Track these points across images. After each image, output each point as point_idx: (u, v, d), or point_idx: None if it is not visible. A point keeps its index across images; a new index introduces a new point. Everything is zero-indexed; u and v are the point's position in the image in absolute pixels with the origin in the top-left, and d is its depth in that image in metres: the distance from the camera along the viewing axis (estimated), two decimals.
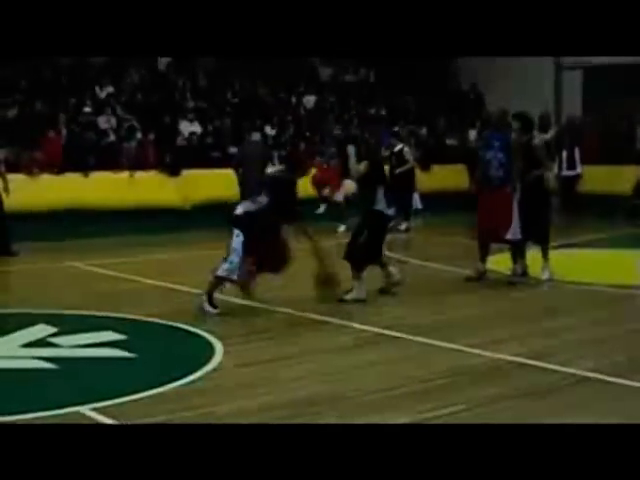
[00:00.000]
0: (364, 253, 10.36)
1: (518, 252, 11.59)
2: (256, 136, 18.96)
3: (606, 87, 22.83)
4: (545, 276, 11.67)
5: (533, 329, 9.02)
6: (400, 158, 18.19)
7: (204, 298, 9.59)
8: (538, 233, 11.57)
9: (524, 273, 11.75)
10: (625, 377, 7.12)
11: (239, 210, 9.60)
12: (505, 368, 7.53)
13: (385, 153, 18.68)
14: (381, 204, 10.43)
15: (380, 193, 10.43)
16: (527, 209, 11.36)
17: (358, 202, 10.61)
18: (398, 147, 18.33)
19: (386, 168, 17.97)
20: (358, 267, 10.35)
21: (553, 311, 10.13)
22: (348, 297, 10.19)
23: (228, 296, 10.43)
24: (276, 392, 6.78)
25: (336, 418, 6.13)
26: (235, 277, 9.51)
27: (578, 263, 12.28)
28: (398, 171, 17.89)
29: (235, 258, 9.39)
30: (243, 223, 9.45)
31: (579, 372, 7.30)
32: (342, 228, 17.33)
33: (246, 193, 18.02)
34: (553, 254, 11.95)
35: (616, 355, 7.90)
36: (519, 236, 11.38)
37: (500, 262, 12.02)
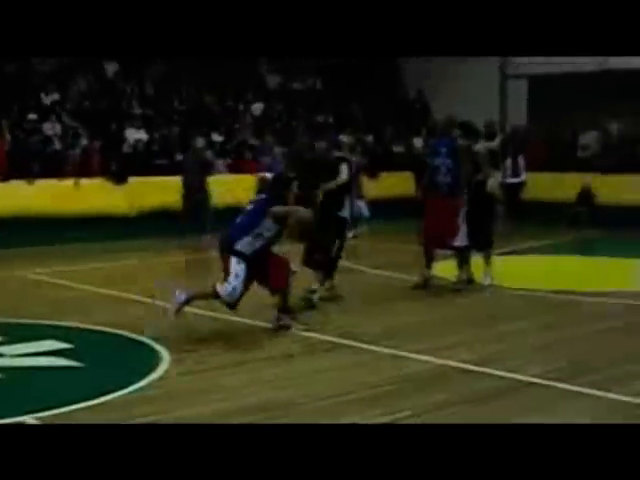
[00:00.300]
0: (329, 258, 10.57)
1: (463, 259, 11.69)
2: (200, 142, 18.93)
3: (550, 96, 23.08)
4: (487, 282, 11.79)
5: (479, 335, 9.10)
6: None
7: (183, 298, 8.99)
8: (481, 239, 11.68)
9: (470, 280, 11.85)
10: (567, 382, 7.22)
11: (244, 248, 8.89)
12: (451, 374, 7.59)
13: None
14: (346, 211, 10.71)
15: (347, 200, 10.60)
16: (470, 215, 11.48)
17: (323, 208, 10.56)
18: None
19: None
20: (328, 272, 10.64)
21: (498, 317, 10.24)
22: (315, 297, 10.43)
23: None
24: (226, 399, 6.78)
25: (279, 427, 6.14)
26: (233, 303, 8.97)
27: (522, 269, 12.43)
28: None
29: (238, 284, 8.83)
30: (248, 259, 8.93)
31: (524, 378, 7.39)
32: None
33: (188, 199, 18.07)
34: (498, 260, 12.07)
35: (559, 360, 8.00)
36: (465, 243, 11.48)
37: (446, 269, 12.10)
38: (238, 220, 9.15)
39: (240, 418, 6.28)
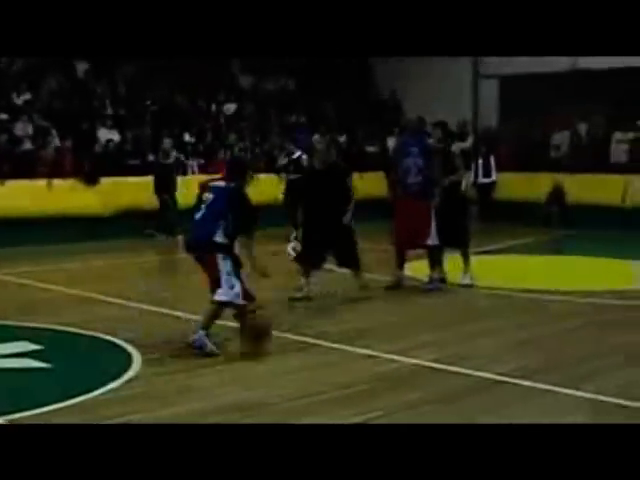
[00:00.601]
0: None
1: (436, 258, 11.73)
2: (167, 143, 18.96)
3: (522, 96, 23.21)
4: (465, 281, 11.84)
5: (449, 335, 9.17)
6: (298, 166, 17.55)
7: (202, 334, 8.22)
8: (456, 238, 11.73)
9: (442, 279, 11.90)
10: (536, 380, 7.30)
11: (222, 238, 8.31)
12: (422, 373, 7.65)
13: (283, 161, 18.66)
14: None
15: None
16: (444, 215, 11.52)
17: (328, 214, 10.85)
18: (296, 154, 17.92)
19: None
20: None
21: (469, 317, 10.29)
22: (298, 295, 10.77)
23: (144, 304, 10.42)
24: (199, 400, 6.80)
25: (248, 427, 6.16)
26: (241, 301, 8.38)
27: (493, 269, 12.50)
28: (292, 177, 17.37)
29: (235, 282, 8.27)
30: (226, 248, 8.35)
31: (493, 376, 7.46)
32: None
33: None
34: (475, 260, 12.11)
35: (529, 358, 8.08)
36: (437, 242, 11.53)
37: (419, 269, 12.15)
38: (200, 216, 8.53)
39: (215, 418, 6.31)
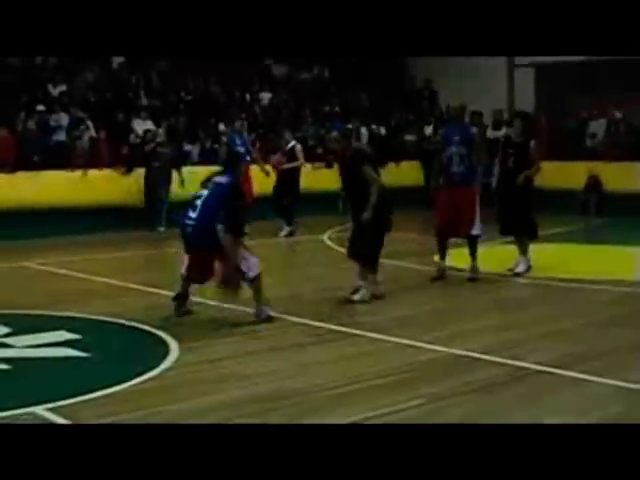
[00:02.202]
0: (372, 251, 10.21)
1: (476, 248, 11.54)
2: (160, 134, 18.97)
3: (558, 85, 23.05)
4: (519, 269, 11.73)
5: (488, 324, 9.13)
6: (291, 155, 17.27)
7: (265, 307, 9.05)
8: (526, 228, 11.68)
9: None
10: (572, 369, 7.24)
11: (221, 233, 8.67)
12: (461, 363, 7.59)
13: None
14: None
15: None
16: (512, 205, 11.49)
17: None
18: (291, 144, 17.40)
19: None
20: (371, 265, 10.24)
21: (505, 306, 10.28)
22: (355, 297, 10.05)
23: None
24: (233, 390, 6.78)
25: (295, 414, 6.15)
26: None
27: (532, 258, 12.34)
28: (285, 166, 17.15)
29: (247, 256, 8.84)
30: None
31: (532, 365, 7.39)
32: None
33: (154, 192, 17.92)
34: (506, 249, 12.03)
35: (566, 348, 8.01)
36: (480, 232, 11.42)
37: (457, 258, 12.06)
38: (200, 207, 8.74)
39: (252, 407, 6.31)
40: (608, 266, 12.97)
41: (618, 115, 22.02)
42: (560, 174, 20.69)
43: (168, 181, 17.89)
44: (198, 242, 8.87)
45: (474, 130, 11.95)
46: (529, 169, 11.57)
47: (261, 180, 17.53)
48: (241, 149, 16.87)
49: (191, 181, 18.39)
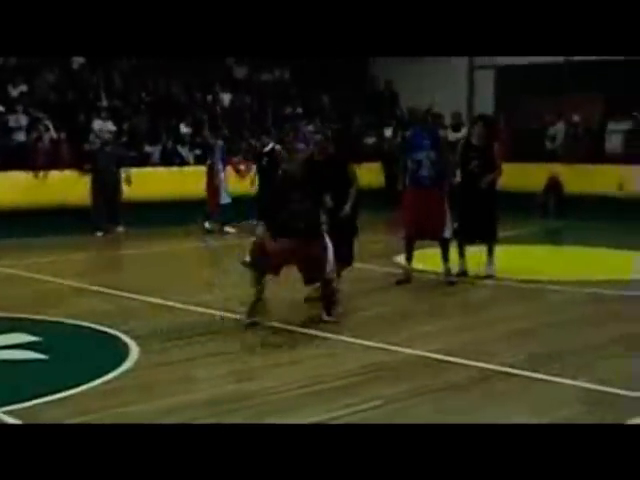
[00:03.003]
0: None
1: (447, 250, 11.50)
2: (104, 132, 18.75)
3: (518, 86, 23.20)
4: (490, 272, 11.75)
5: (448, 325, 9.16)
6: (272, 158, 16.48)
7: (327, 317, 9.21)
8: (489, 232, 11.72)
9: (464, 273, 11.83)
10: (536, 370, 7.29)
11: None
12: (423, 364, 7.62)
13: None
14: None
15: None
16: (474, 209, 11.53)
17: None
18: (269, 146, 17.03)
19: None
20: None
21: (467, 308, 10.30)
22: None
23: (144, 296, 10.42)
24: (189, 392, 6.76)
25: (252, 416, 6.15)
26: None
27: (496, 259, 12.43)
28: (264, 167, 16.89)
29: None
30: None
31: (493, 366, 7.44)
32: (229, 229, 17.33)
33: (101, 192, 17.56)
34: (470, 251, 12.08)
35: (528, 349, 8.06)
36: (450, 235, 11.42)
37: (428, 261, 12.07)
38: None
39: (210, 409, 6.30)
40: (568, 267, 13.08)
41: (576, 118, 22.21)
42: (520, 176, 20.84)
43: (117, 181, 17.69)
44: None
45: (442, 133, 11.91)
46: (492, 172, 11.63)
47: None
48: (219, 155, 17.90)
49: (152, 182, 18.52)
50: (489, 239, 11.80)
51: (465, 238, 11.85)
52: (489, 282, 11.62)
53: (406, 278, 11.51)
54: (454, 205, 11.73)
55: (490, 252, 11.85)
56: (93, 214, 17.30)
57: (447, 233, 11.36)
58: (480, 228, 11.65)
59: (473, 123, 12.46)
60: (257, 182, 16.82)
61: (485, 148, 11.68)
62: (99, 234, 16.55)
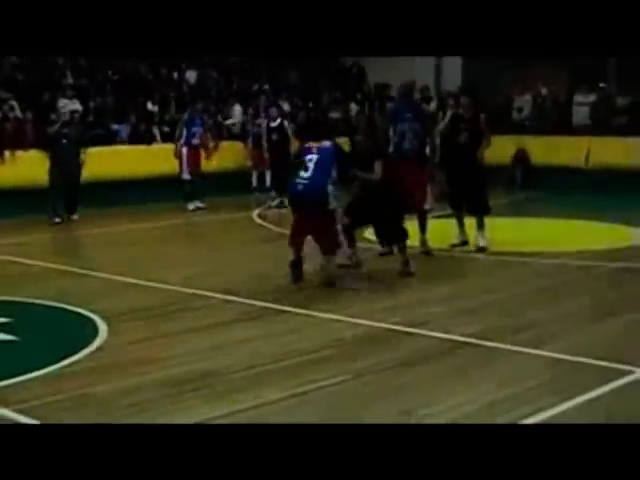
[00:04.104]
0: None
1: (425, 223, 11.61)
2: (67, 105, 18.24)
3: (484, 59, 23.24)
4: (482, 243, 11.82)
5: (413, 298, 9.26)
6: (282, 132, 18.00)
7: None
8: (479, 205, 11.84)
9: (465, 242, 12.02)
10: (501, 341, 7.40)
11: (329, 191, 9.68)
12: (388, 336, 7.69)
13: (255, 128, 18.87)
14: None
15: None
16: (464, 181, 11.65)
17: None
18: (277, 121, 18.07)
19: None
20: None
21: (433, 280, 10.34)
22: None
23: (112, 275, 10.43)
24: (156, 370, 6.80)
25: (215, 394, 6.20)
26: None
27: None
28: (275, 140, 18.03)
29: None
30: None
31: (458, 338, 7.52)
32: (191, 206, 17.34)
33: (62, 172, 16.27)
34: (435, 223, 12.14)
35: (493, 320, 8.17)
36: (431, 207, 11.50)
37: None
38: (310, 174, 9.57)
39: (173, 388, 6.35)
40: (533, 239, 13.16)
41: (543, 91, 22.31)
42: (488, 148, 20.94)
43: (77, 163, 16.66)
44: (309, 199, 9.54)
45: (425, 106, 12.04)
46: (481, 144, 11.78)
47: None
48: (199, 129, 17.88)
49: (119, 161, 18.43)
50: (480, 211, 11.92)
51: (456, 208, 12.03)
52: (458, 255, 11.70)
53: (389, 250, 11.50)
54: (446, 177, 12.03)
55: (480, 224, 11.93)
56: (51, 199, 16.20)
57: (427, 205, 11.47)
58: (470, 200, 11.79)
59: (456, 95, 12.55)
60: (267, 156, 18.27)
61: (473, 119, 11.81)
62: (57, 220, 15.80)
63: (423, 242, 11.60)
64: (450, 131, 11.94)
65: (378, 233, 10.66)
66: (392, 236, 10.47)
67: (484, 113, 12.17)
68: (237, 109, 21.72)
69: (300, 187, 9.62)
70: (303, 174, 9.63)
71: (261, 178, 19.88)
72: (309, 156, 9.72)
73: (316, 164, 9.60)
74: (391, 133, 11.59)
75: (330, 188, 9.57)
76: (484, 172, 11.95)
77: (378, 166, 10.09)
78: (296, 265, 9.75)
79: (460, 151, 11.76)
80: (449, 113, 12.54)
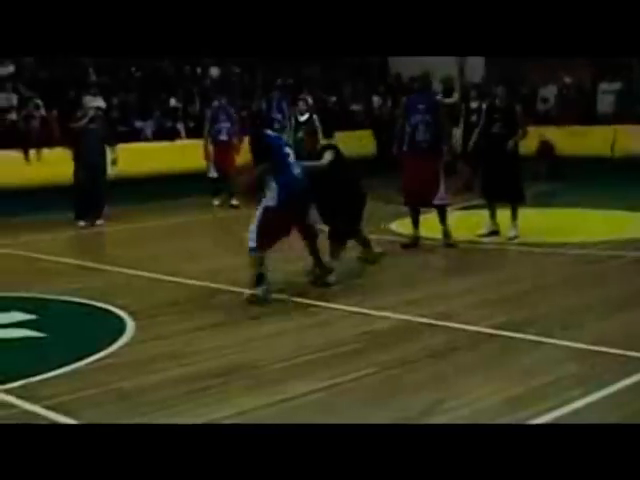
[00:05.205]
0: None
1: (444, 217, 11.55)
2: (92, 101, 17.47)
3: None
4: (512, 234, 11.85)
5: (437, 290, 9.24)
6: (311, 126, 17.56)
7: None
8: (514, 193, 11.90)
9: (495, 232, 12.06)
10: (525, 332, 7.37)
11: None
12: (414, 329, 7.68)
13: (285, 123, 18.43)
14: None
15: None
16: (499, 171, 11.72)
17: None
18: (306, 116, 17.22)
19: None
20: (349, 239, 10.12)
21: (456, 272, 10.37)
22: (331, 279, 9.55)
23: (138, 271, 10.47)
24: (185, 365, 6.82)
25: (249, 386, 6.22)
26: None
27: (482, 223, 12.45)
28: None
29: None
30: None
31: (484, 329, 7.51)
32: (217, 202, 17.19)
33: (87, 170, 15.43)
34: (456, 215, 12.12)
35: (518, 312, 8.13)
36: (446, 201, 11.48)
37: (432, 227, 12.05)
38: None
39: (206, 381, 6.36)
40: (559, 230, 13.08)
41: (568, 80, 22.21)
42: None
43: (103, 162, 15.93)
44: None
45: (438, 98, 12.04)
46: (516, 134, 11.76)
47: None
48: (225, 125, 17.18)
49: (144, 157, 18.50)
50: (515, 200, 11.95)
51: (491, 198, 12.07)
52: (481, 246, 11.67)
53: (412, 242, 11.58)
54: (479, 166, 12.18)
55: (514, 214, 11.96)
56: (76, 201, 15.57)
57: (439, 200, 11.39)
58: (506, 189, 11.82)
59: (479, 85, 12.57)
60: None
61: (508, 109, 11.84)
62: (82, 223, 15.17)
63: (445, 234, 11.57)
64: (485, 121, 11.99)
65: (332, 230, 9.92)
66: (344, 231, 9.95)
67: (519, 104, 12.22)
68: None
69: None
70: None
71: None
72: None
73: None
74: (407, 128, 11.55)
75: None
76: (519, 162, 11.94)
77: (328, 154, 9.75)
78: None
79: (494, 141, 11.78)
80: (485, 104, 12.61)
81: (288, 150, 9.18)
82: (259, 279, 8.75)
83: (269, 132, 9.72)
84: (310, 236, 9.25)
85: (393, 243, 11.73)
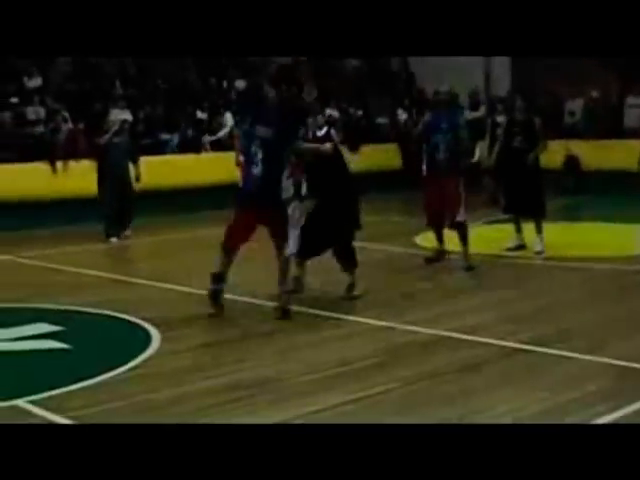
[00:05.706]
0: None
1: (465, 234, 11.30)
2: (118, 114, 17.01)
3: (534, 64, 23.08)
4: (538, 248, 11.83)
5: (466, 305, 9.20)
6: (329, 141, 17.34)
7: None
8: (535, 208, 11.91)
9: (521, 246, 12.06)
10: (554, 347, 7.33)
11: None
12: (439, 343, 7.66)
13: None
14: None
15: None
16: (520, 185, 11.73)
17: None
18: (324, 130, 17.33)
19: None
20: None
21: (485, 286, 10.32)
22: (356, 293, 9.56)
23: (164, 283, 10.49)
24: (212, 378, 6.82)
25: (270, 401, 6.22)
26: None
27: (510, 238, 12.42)
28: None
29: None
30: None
31: (512, 344, 7.48)
32: None
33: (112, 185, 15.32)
34: (482, 229, 12.10)
35: (546, 326, 8.10)
36: (464, 218, 11.41)
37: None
38: None
39: (234, 393, 6.38)
40: (586, 244, 13.04)
41: (595, 94, 22.10)
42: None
43: (128, 175, 15.70)
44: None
45: (464, 112, 11.98)
46: (536, 147, 11.74)
47: None
48: None
49: (170, 170, 18.55)
50: (537, 214, 11.92)
51: (513, 213, 12.11)
52: (507, 260, 11.63)
53: (436, 257, 11.54)
54: (501, 181, 12.15)
55: (538, 227, 11.94)
56: (105, 218, 15.30)
57: (460, 217, 11.28)
58: (528, 204, 11.82)
59: (504, 99, 12.54)
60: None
61: (528, 123, 11.81)
62: (113, 240, 14.95)
63: (465, 255, 11.25)
64: (505, 136, 11.97)
65: (337, 254, 9.79)
66: (347, 259, 9.73)
67: (538, 117, 12.17)
68: (228, 117, 20.99)
69: None
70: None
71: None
72: None
73: None
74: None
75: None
76: (540, 175, 11.90)
77: (329, 144, 9.97)
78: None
79: (515, 155, 11.75)
80: (505, 118, 12.58)
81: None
82: (215, 278, 9.01)
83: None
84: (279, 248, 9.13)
85: (415, 257, 11.70)
